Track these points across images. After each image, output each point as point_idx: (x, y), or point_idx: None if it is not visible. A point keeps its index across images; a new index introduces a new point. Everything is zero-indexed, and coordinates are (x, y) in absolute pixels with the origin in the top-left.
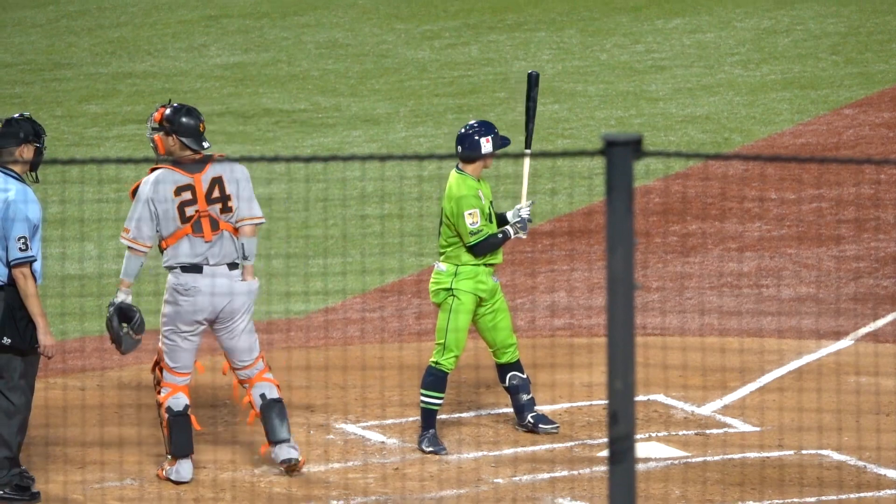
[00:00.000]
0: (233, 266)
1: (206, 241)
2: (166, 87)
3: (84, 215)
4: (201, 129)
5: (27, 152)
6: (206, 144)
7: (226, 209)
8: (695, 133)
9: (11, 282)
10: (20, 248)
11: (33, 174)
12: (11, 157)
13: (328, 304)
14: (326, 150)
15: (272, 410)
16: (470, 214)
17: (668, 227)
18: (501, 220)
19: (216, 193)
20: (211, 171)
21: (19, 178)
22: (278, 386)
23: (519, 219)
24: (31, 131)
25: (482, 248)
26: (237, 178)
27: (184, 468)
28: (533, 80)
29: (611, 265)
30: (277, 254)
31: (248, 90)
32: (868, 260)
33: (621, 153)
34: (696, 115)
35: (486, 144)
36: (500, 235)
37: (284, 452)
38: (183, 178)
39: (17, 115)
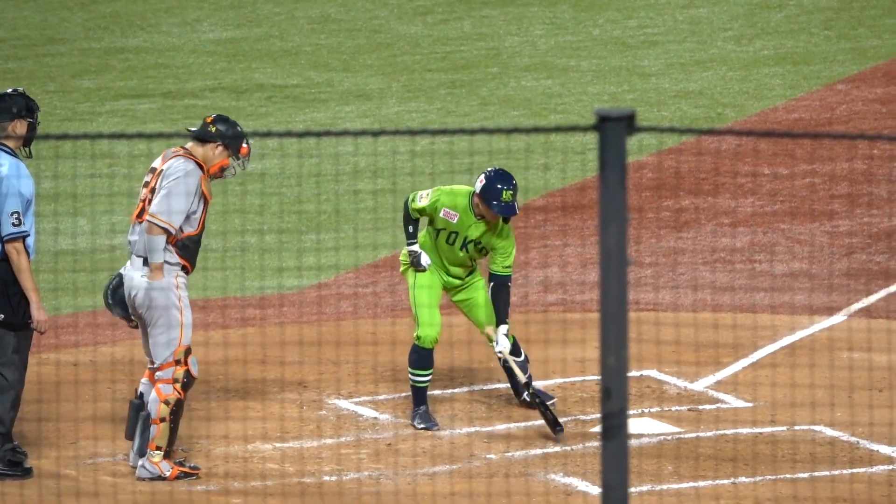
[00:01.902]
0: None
1: (134, 223)
2: (159, 63)
3: (77, 190)
4: (206, 119)
5: (20, 127)
6: (192, 128)
7: (151, 200)
8: (688, 108)
9: (4, 257)
10: (13, 223)
11: (26, 149)
12: (4, 132)
13: (321, 280)
14: (319, 125)
15: (138, 422)
16: (426, 195)
17: (661, 202)
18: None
19: (155, 183)
20: (166, 164)
21: (12, 153)
22: (166, 402)
23: (423, 262)
24: (23, 106)
25: (404, 211)
26: (167, 174)
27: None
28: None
29: (604, 240)
30: (270, 229)
31: (240, 65)
32: (861, 235)
33: (614, 128)
34: (688, 91)
35: (479, 183)
36: (410, 231)
37: (138, 470)
38: (158, 161)
39: (10, 90)
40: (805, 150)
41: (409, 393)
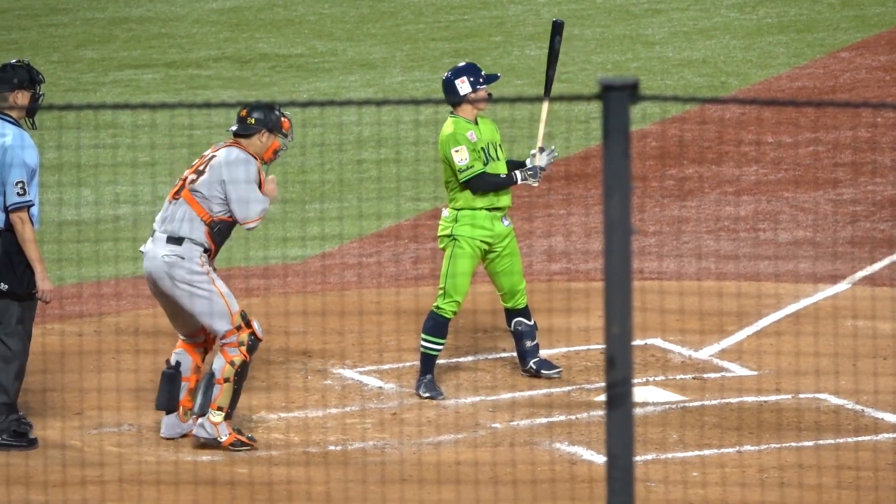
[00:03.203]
0: (173, 240)
1: (167, 202)
2: (163, 33)
3: (81, 161)
4: (241, 114)
5: (21, 98)
6: (232, 127)
7: (193, 181)
8: (691, 77)
9: (9, 227)
10: (18, 193)
11: (30, 120)
12: (5, 103)
13: (325, 250)
14: (323, 94)
15: (202, 381)
16: (456, 152)
17: (664, 171)
18: (519, 166)
19: (202, 166)
20: (220, 151)
21: (16, 124)
22: (232, 363)
23: (531, 167)
24: (25, 77)
25: (477, 186)
26: (224, 174)
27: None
28: (556, 28)
29: (608, 209)
30: (274, 199)
31: (244, 35)
32: (865, 203)
33: (618, 97)
34: (692, 59)
35: (462, 85)
36: (502, 176)
37: (196, 428)
38: (209, 151)
39: (13, 61)
40: (809, 119)
41: (414, 363)
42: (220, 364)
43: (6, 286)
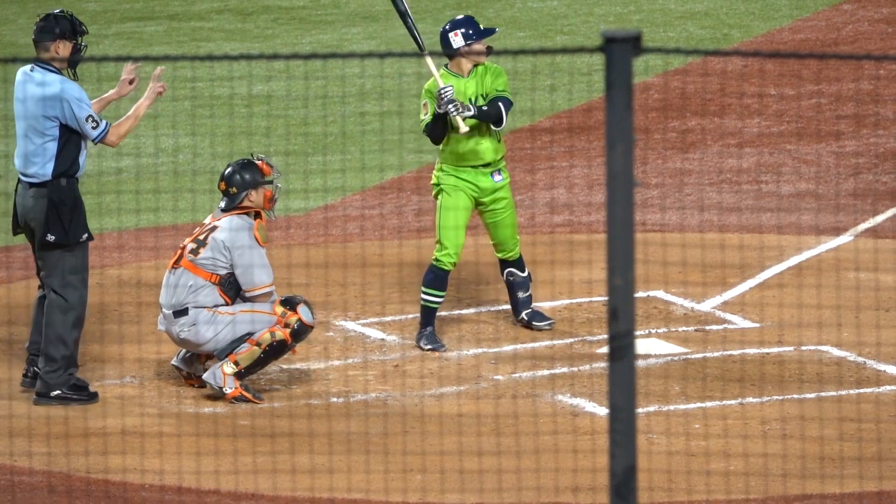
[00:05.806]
0: (179, 313)
1: (167, 273)
2: None
3: None
4: (219, 188)
5: (62, 48)
6: (220, 205)
7: (194, 251)
8: (694, 29)
9: (54, 177)
10: (92, 127)
11: (72, 71)
12: (47, 53)
13: (327, 202)
14: (325, 47)
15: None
16: (424, 105)
17: (667, 123)
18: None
19: (202, 236)
20: (221, 221)
21: (57, 73)
22: (272, 334)
23: (452, 102)
24: (67, 28)
25: (430, 136)
26: (226, 243)
27: None
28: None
29: (610, 162)
30: (276, 151)
31: None
32: (867, 156)
33: (620, 50)
34: (695, 11)
35: (455, 38)
36: (437, 132)
37: (206, 373)
38: (208, 218)
39: (58, 11)
40: (811, 71)
41: (416, 315)
42: (263, 330)
43: (53, 237)
